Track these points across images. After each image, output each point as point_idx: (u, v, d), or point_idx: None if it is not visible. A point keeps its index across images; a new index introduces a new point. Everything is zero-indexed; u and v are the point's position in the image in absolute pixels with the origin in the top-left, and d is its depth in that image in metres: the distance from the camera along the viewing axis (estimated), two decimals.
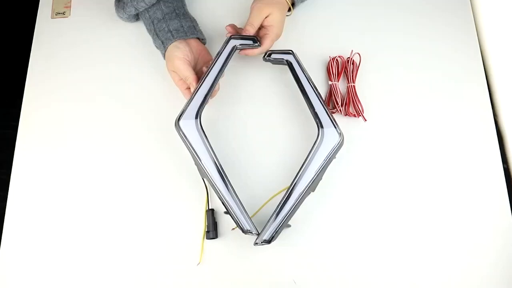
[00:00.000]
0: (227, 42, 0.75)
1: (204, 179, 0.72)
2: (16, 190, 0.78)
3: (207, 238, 0.71)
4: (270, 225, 0.67)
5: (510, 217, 0.71)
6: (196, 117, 0.71)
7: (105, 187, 0.77)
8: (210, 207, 0.73)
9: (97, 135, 0.80)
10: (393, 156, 0.75)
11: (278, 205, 0.68)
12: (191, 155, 0.70)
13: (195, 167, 0.71)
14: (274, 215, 0.68)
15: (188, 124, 0.70)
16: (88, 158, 0.79)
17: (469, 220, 0.71)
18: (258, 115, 0.79)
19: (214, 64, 0.74)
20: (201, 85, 0.72)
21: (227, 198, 0.68)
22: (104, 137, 0.80)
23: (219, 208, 0.73)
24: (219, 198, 0.69)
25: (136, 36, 0.86)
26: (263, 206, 0.72)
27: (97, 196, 0.76)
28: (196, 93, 0.72)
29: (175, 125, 0.71)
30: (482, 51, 0.81)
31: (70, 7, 0.90)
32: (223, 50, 0.75)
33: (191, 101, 0.72)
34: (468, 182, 0.73)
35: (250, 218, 0.68)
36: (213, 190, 0.70)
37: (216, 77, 0.73)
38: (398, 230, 0.71)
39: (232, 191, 0.69)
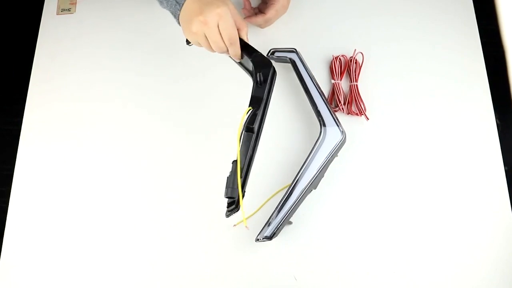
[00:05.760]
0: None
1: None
2: (19, 185, 0.78)
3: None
4: (271, 222, 0.68)
5: (511, 217, 0.71)
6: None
7: (107, 184, 0.77)
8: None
9: (101, 131, 0.80)
10: (395, 155, 0.75)
11: (280, 202, 0.68)
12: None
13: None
14: (276, 212, 0.68)
15: None
16: (91, 154, 0.79)
17: (469, 220, 0.71)
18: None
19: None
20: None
21: None
22: (108, 133, 0.80)
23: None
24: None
25: (143, 32, 0.87)
26: (265, 203, 0.72)
27: (99, 192, 0.77)
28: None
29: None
30: None
31: (75, 3, 0.90)
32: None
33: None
34: (469, 182, 0.73)
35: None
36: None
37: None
38: (399, 229, 0.71)
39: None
